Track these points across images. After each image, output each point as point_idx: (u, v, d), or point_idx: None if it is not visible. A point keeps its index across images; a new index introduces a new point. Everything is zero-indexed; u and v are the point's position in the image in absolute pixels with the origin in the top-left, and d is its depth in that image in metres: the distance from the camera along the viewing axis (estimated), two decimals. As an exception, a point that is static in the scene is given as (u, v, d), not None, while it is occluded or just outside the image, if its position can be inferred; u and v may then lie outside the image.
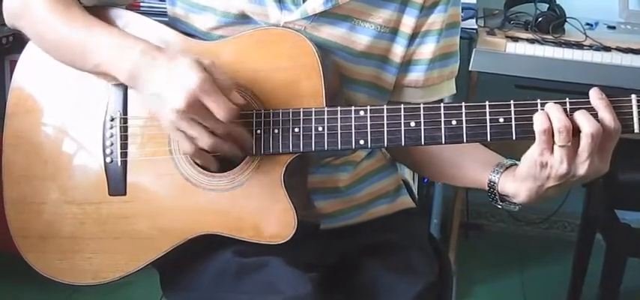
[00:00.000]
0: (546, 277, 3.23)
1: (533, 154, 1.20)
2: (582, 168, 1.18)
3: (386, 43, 1.40)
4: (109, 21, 1.39)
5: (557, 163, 1.18)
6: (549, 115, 1.17)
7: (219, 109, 1.20)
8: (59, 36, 1.35)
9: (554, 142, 1.17)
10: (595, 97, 1.17)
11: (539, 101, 1.19)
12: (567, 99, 1.18)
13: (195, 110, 1.21)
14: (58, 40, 1.36)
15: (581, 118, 1.16)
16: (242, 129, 1.27)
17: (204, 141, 1.24)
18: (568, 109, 1.17)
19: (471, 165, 1.38)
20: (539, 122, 1.17)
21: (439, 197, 2.87)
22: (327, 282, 1.36)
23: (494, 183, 1.31)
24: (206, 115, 1.22)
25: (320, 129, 1.27)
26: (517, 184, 1.26)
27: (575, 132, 1.16)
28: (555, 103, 1.18)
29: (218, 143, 1.25)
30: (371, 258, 1.43)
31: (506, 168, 1.31)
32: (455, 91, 1.51)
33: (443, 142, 1.22)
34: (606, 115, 1.16)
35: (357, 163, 1.51)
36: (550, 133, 1.16)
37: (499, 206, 1.33)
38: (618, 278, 2.52)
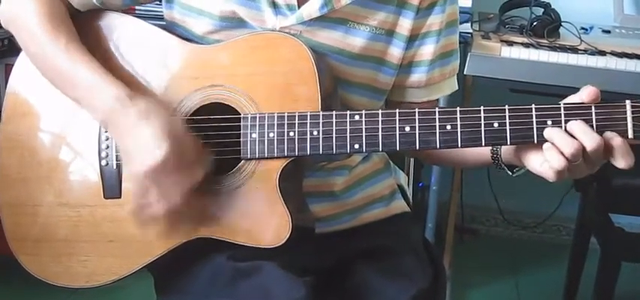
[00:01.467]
0: (541, 281, 3.23)
1: (533, 164, 1.22)
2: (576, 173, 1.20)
3: (382, 45, 1.41)
4: (103, 26, 1.39)
5: (552, 176, 1.19)
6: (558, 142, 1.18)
7: (179, 184, 1.23)
8: (44, 57, 1.35)
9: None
10: (579, 127, 1.17)
11: (533, 106, 1.19)
12: (562, 103, 1.19)
13: (157, 180, 1.23)
14: (43, 60, 1.36)
15: (582, 136, 1.17)
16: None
17: (158, 208, 1.25)
18: (562, 116, 1.18)
19: None
20: (567, 145, 1.17)
21: (434, 201, 2.87)
22: (322, 286, 1.36)
23: (497, 151, 1.32)
24: (167, 185, 1.24)
25: (315, 133, 1.27)
26: (516, 161, 1.28)
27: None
28: (550, 108, 1.18)
29: (171, 213, 1.26)
30: (365, 262, 1.43)
31: None
32: (457, 88, 1.54)
33: (438, 146, 1.23)
34: (586, 141, 1.16)
35: (352, 168, 1.51)
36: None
37: (510, 173, 1.33)
38: (612, 282, 2.53)
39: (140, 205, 1.26)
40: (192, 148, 1.25)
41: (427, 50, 1.44)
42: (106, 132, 1.38)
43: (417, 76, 1.46)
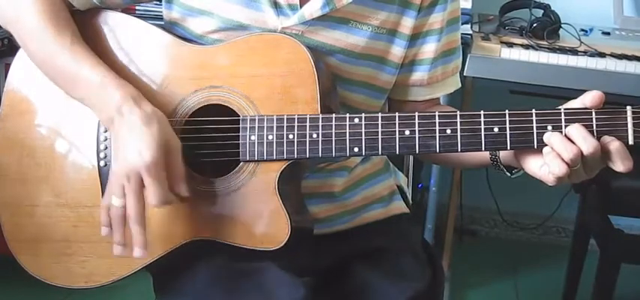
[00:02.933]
0: (540, 283, 3.23)
1: (532, 168, 1.22)
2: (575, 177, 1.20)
3: (383, 44, 1.41)
4: (103, 25, 1.39)
5: (552, 180, 1.19)
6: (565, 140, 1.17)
7: (151, 195, 1.23)
8: (49, 57, 1.34)
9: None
10: (577, 132, 1.17)
11: (534, 111, 1.19)
12: (562, 108, 1.18)
13: (132, 182, 1.24)
14: (46, 60, 1.35)
15: (581, 141, 1.16)
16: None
17: (117, 211, 1.26)
18: (563, 121, 1.18)
19: None
20: (566, 150, 1.16)
21: (433, 203, 2.87)
22: (321, 287, 1.37)
23: (495, 153, 1.31)
24: (137, 191, 1.24)
25: (314, 136, 1.27)
26: (515, 163, 1.27)
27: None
28: (550, 113, 1.18)
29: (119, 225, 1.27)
30: (364, 263, 1.43)
31: None
32: (460, 85, 1.54)
33: (437, 150, 1.22)
34: (585, 146, 1.16)
35: (351, 169, 1.51)
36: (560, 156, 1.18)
37: (508, 174, 1.33)
38: (612, 284, 2.52)
39: (109, 200, 1.27)
40: (177, 171, 1.27)
41: (429, 48, 1.44)
42: (105, 132, 1.38)
43: (420, 74, 1.47)
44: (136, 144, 1.23)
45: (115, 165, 1.27)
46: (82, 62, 1.32)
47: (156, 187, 1.23)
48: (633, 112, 1.15)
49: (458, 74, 1.52)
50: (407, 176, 1.73)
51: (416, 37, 1.43)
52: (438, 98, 1.52)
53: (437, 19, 1.43)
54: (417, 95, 1.48)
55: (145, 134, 1.24)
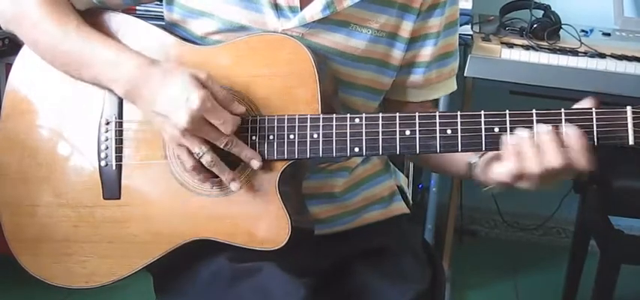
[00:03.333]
0: (540, 284, 3.23)
1: (510, 170, 1.21)
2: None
3: (383, 47, 1.41)
4: (104, 25, 1.39)
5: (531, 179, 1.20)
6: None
7: (223, 124, 1.23)
8: (54, 43, 1.35)
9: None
10: (548, 136, 1.17)
11: (534, 111, 1.19)
12: (562, 109, 1.18)
13: (199, 128, 1.23)
14: (53, 47, 1.36)
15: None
16: (242, 143, 1.28)
17: (207, 157, 1.26)
18: (563, 121, 1.17)
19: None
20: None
21: (433, 203, 2.87)
22: (321, 287, 1.36)
23: (475, 163, 1.32)
24: (209, 131, 1.24)
25: (315, 136, 1.27)
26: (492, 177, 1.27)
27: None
28: (551, 113, 1.18)
29: (218, 159, 1.27)
30: (364, 264, 1.43)
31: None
32: (456, 88, 1.54)
33: (438, 151, 1.22)
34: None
35: (352, 169, 1.51)
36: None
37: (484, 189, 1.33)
38: (612, 285, 2.52)
39: (194, 158, 1.27)
40: (221, 88, 1.26)
41: (426, 52, 1.45)
42: (106, 132, 1.38)
43: (417, 77, 1.47)
44: (178, 95, 1.23)
45: (171, 128, 1.25)
46: (91, 41, 1.33)
47: (222, 117, 1.23)
48: (633, 112, 1.15)
49: (454, 77, 1.52)
50: (407, 177, 1.73)
51: (415, 41, 1.43)
52: (434, 100, 1.52)
53: (435, 22, 1.43)
54: (413, 97, 1.49)
55: (176, 85, 1.24)
